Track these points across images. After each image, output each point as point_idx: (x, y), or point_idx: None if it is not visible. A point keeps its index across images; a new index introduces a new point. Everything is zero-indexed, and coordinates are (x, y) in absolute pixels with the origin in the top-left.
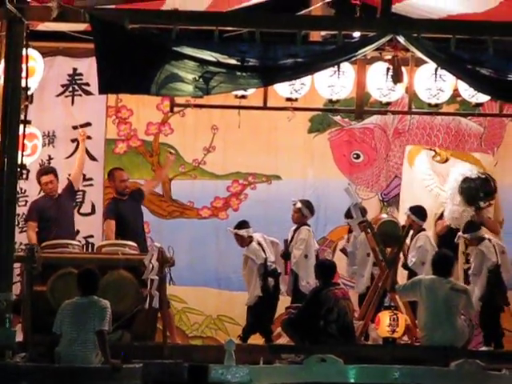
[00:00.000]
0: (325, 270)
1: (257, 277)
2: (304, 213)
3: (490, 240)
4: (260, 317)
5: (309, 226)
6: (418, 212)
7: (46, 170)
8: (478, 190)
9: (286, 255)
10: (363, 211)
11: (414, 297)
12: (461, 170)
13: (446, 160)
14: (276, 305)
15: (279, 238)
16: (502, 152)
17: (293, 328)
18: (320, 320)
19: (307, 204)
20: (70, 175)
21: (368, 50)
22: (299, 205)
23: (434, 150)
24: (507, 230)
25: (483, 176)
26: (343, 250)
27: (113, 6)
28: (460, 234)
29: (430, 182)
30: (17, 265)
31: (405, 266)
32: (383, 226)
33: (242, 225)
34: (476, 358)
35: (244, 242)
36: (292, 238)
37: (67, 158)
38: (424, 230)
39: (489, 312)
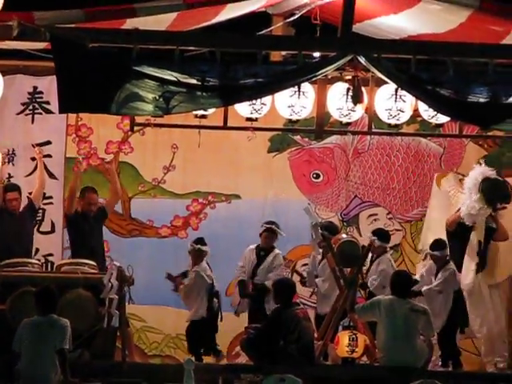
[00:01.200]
0: (286, 289)
1: (204, 296)
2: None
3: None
4: (203, 335)
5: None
6: (381, 235)
7: (12, 186)
8: (497, 191)
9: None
10: (335, 229)
11: (373, 317)
12: (482, 169)
13: None
14: (217, 326)
15: (240, 257)
16: (462, 173)
17: (252, 347)
18: (280, 340)
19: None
20: (30, 193)
21: (328, 70)
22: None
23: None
24: None
25: (502, 179)
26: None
27: (73, 25)
28: (428, 251)
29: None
30: None
31: (362, 286)
32: (343, 246)
33: (200, 241)
34: (435, 378)
35: (199, 259)
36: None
37: (27, 176)
38: (386, 251)
39: (449, 332)
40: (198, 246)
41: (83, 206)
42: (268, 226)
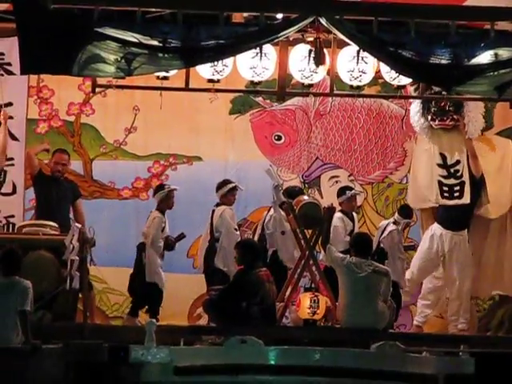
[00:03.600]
0: (249, 250)
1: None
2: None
3: None
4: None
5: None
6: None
7: None
8: None
9: None
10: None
11: (337, 267)
12: None
13: None
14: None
15: (200, 219)
16: None
17: (214, 309)
18: (243, 302)
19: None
20: None
21: (290, 32)
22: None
23: None
24: None
25: None
26: None
27: None
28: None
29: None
30: None
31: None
32: (304, 208)
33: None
34: (396, 340)
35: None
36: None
37: None
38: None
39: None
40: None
41: (51, 165)
42: (232, 184)
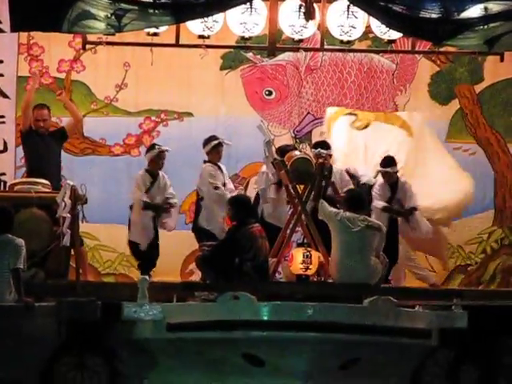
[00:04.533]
0: (242, 206)
1: None
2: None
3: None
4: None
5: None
6: (324, 145)
7: None
8: None
9: None
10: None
11: (330, 222)
12: None
13: (367, 125)
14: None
15: (191, 175)
16: (414, 88)
17: (207, 265)
18: (235, 258)
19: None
20: None
21: None
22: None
23: (356, 114)
24: None
25: None
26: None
27: None
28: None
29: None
30: None
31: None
32: (296, 163)
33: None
34: (389, 294)
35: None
36: None
37: None
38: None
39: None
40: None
41: (34, 122)
42: (216, 141)
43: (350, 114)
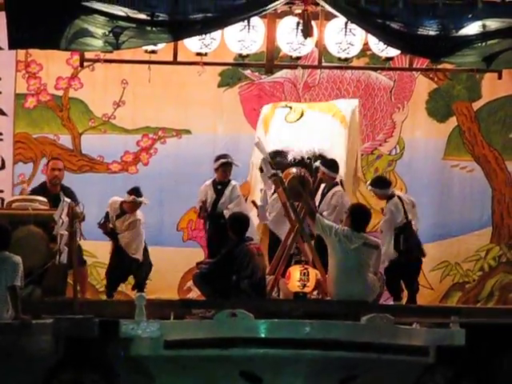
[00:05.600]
0: (240, 224)
1: (143, 240)
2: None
3: (399, 197)
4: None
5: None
6: (330, 164)
7: None
8: None
9: None
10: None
11: (327, 237)
12: None
13: (302, 115)
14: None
15: (189, 192)
16: (411, 105)
17: (204, 282)
18: (233, 275)
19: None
20: None
21: (278, 4)
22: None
23: (290, 107)
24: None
25: None
26: (253, 202)
27: None
28: (369, 187)
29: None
30: None
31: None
32: (293, 181)
33: (139, 191)
34: (387, 312)
35: (135, 208)
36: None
37: None
38: (337, 184)
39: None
40: (132, 196)
41: (47, 173)
42: (224, 160)
43: (286, 106)
